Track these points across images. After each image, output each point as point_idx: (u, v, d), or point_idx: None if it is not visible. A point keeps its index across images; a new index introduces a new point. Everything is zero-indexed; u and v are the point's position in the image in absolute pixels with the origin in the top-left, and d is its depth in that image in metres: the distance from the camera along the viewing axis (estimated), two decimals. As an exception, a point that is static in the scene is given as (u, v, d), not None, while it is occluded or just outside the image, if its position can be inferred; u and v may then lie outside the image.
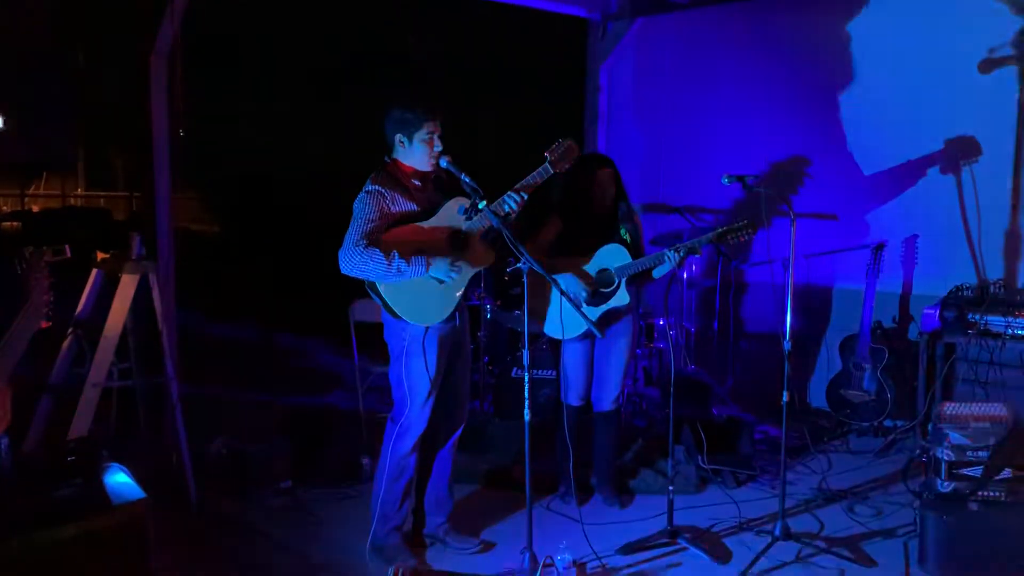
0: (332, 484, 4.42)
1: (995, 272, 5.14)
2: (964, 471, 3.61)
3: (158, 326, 4.13)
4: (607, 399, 4.20)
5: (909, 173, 5.46)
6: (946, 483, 3.61)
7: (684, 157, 6.39)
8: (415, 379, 3.47)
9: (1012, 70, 5.07)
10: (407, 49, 6.86)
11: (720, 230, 3.83)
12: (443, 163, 3.44)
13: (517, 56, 7.13)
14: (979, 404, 3.84)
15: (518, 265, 3.42)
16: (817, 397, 5.70)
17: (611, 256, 3.98)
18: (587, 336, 4.03)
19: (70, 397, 3.89)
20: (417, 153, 3.45)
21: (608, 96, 6.65)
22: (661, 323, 5.55)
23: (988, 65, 5.14)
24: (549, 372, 5.12)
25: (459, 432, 3.75)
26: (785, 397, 3.79)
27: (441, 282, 3.42)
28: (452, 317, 3.53)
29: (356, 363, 5.17)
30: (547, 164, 3.53)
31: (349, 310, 5.14)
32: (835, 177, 5.74)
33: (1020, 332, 4.52)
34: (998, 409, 3.78)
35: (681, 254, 3.84)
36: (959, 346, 4.69)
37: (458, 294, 3.52)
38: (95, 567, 2.58)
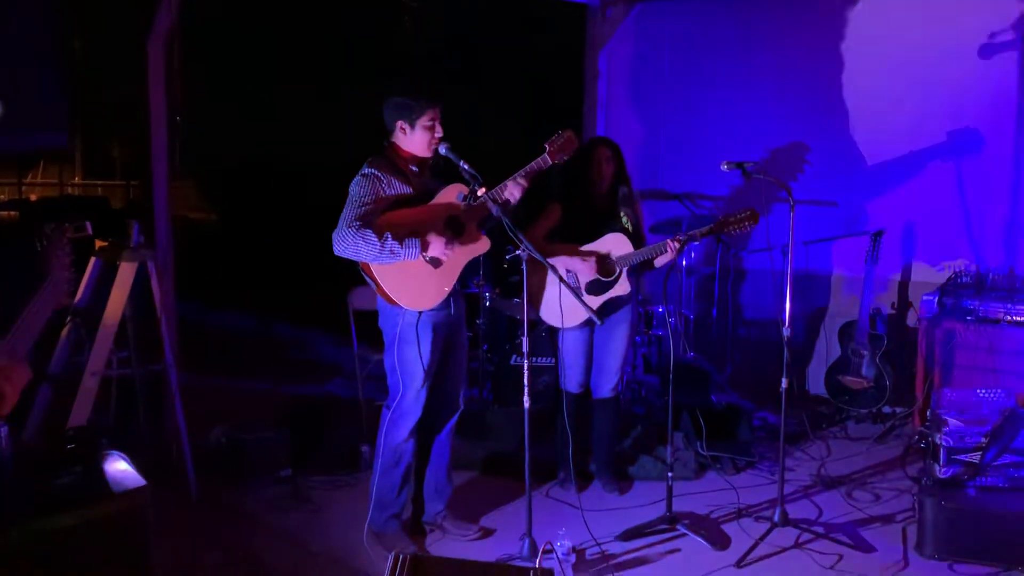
0: (331, 472, 4.43)
1: (993, 258, 5.14)
2: (962, 457, 3.62)
3: (157, 314, 4.13)
4: (606, 386, 4.20)
5: (910, 162, 5.45)
6: (944, 469, 3.62)
7: (683, 143, 6.37)
8: (409, 366, 3.46)
9: (1013, 55, 5.05)
10: (405, 34, 6.83)
11: (721, 220, 3.82)
12: (442, 150, 3.43)
13: (515, 41, 7.10)
14: (977, 390, 3.85)
15: (517, 252, 3.41)
16: (816, 384, 5.71)
17: (612, 244, 3.98)
18: (587, 324, 4.03)
19: (69, 386, 3.89)
20: (418, 139, 3.44)
21: (607, 82, 6.63)
22: (660, 310, 5.55)
23: (989, 50, 5.12)
24: (548, 359, 5.12)
25: (456, 418, 3.75)
26: (784, 383, 3.79)
27: (436, 266, 3.42)
28: (447, 303, 3.53)
29: (355, 351, 5.17)
30: (546, 155, 3.52)
31: (348, 298, 5.14)
32: (835, 164, 5.73)
33: (1018, 318, 4.52)
34: (996, 395, 3.80)
35: (681, 243, 3.84)
36: (957, 332, 4.69)
37: (453, 280, 3.52)
38: (95, 555, 2.58)
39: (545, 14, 6.58)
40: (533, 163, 3.51)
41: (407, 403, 3.51)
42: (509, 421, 4.73)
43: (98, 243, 4.10)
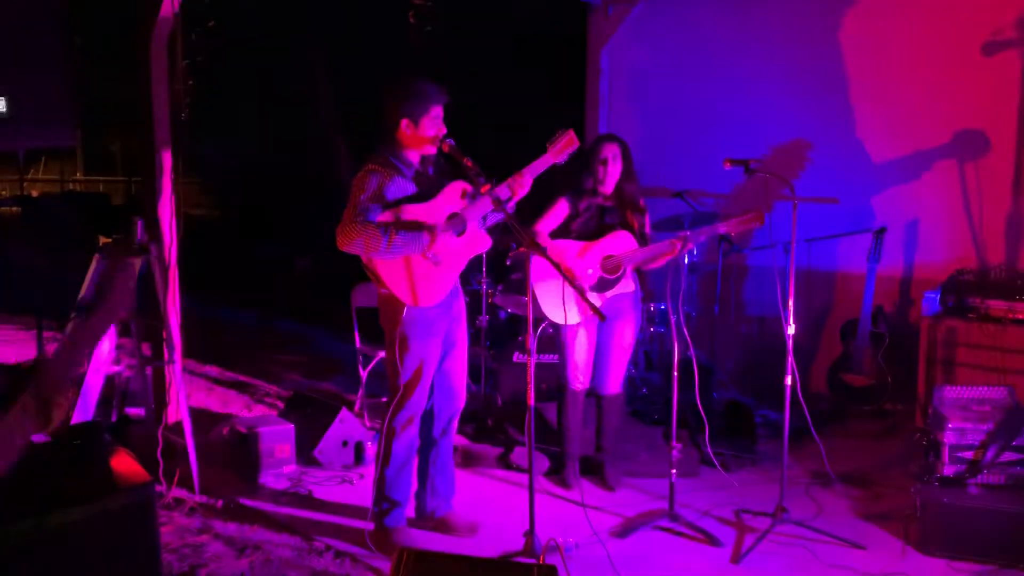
0: (334, 468, 4.45)
1: (996, 256, 5.15)
2: (964, 455, 3.63)
3: (160, 310, 4.14)
4: (610, 383, 4.21)
5: (913, 160, 5.45)
6: (945, 466, 3.63)
7: (685, 140, 6.37)
8: (411, 362, 3.47)
9: (1016, 52, 5.05)
10: (407, 31, 6.83)
11: (727, 220, 3.83)
12: (445, 147, 3.43)
13: (518, 39, 7.10)
14: (979, 388, 3.86)
15: (520, 250, 3.42)
16: (818, 381, 5.72)
17: (618, 243, 3.99)
18: (590, 321, 4.03)
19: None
20: (422, 135, 3.44)
21: (609, 80, 6.63)
22: (662, 307, 5.56)
23: (991, 48, 5.12)
24: (551, 356, 5.13)
25: (458, 415, 3.76)
26: (788, 381, 3.79)
27: (438, 264, 3.43)
28: (449, 300, 3.54)
29: (358, 347, 5.19)
30: (547, 154, 3.53)
31: (350, 295, 5.16)
32: (837, 161, 5.73)
33: (1021, 316, 4.52)
34: (998, 392, 3.80)
35: (686, 243, 3.84)
36: (959, 330, 4.69)
37: (455, 277, 3.53)
38: (101, 549, 2.60)
39: (547, 11, 6.58)
40: (535, 162, 3.52)
41: (410, 400, 3.52)
42: (512, 418, 4.75)
43: (102, 239, 4.11)
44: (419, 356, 3.48)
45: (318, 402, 4.84)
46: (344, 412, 4.55)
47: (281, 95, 9.18)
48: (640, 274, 4.23)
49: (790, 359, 3.74)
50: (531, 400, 3.36)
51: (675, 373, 3.79)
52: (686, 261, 5.77)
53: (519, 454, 4.48)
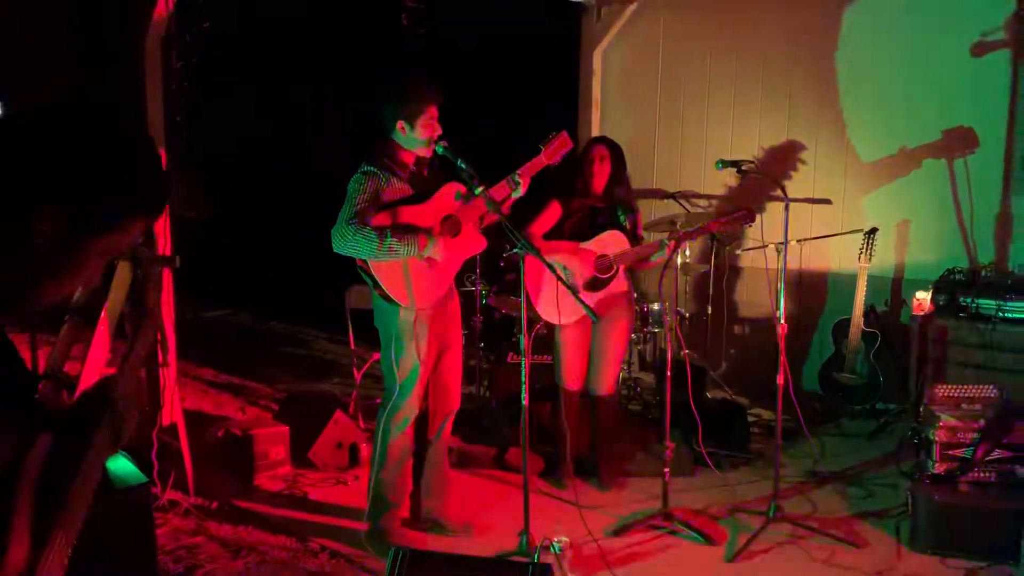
0: (329, 469, 4.45)
1: (986, 255, 5.18)
2: (955, 452, 3.65)
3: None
4: (604, 383, 4.23)
5: (904, 160, 5.49)
6: (937, 464, 3.66)
7: (678, 142, 6.40)
8: (406, 364, 3.48)
9: (1004, 53, 5.09)
10: (399, 32, 6.84)
11: (717, 219, 3.85)
12: (439, 149, 3.44)
13: (510, 40, 7.11)
14: (970, 387, 3.88)
15: (514, 250, 3.44)
16: (810, 380, 5.74)
17: (610, 242, 4.01)
18: (583, 321, 4.06)
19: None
20: (417, 137, 3.45)
21: (602, 80, 6.65)
22: (656, 307, 5.58)
23: (981, 48, 5.16)
24: (545, 357, 5.15)
25: (452, 416, 3.77)
26: (780, 380, 3.82)
27: (433, 265, 3.44)
28: (443, 301, 3.55)
29: (352, 349, 5.20)
30: (541, 155, 3.55)
31: (345, 296, 5.16)
32: (829, 162, 5.76)
33: (1011, 315, 4.55)
34: (988, 391, 3.83)
35: (677, 241, 3.86)
36: (951, 329, 4.72)
37: (450, 278, 3.54)
38: (97, 550, 2.60)
39: (540, 13, 6.59)
40: (528, 163, 3.54)
41: (404, 401, 3.53)
42: (506, 418, 4.76)
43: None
44: (414, 357, 3.49)
45: (313, 404, 4.85)
46: (339, 414, 4.56)
47: (278, 96, 9.18)
48: (633, 274, 4.25)
49: (782, 359, 3.76)
50: (526, 400, 3.38)
51: (668, 373, 3.80)
52: (679, 261, 5.80)
53: (514, 454, 4.49)
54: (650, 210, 6.33)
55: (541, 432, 4.53)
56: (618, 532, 3.76)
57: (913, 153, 5.44)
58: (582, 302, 3.35)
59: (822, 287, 5.86)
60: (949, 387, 3.90)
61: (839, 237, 5.57)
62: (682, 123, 6.37)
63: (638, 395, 5.56)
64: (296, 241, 8.18)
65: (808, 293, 5.89)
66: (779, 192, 3.82)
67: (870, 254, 5.18)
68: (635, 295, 4.37)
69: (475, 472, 4.47)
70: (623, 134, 6.38)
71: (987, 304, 4.62)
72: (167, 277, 4.52)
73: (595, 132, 6.56)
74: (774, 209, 5.57)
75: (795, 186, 5.81)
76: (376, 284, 3.42)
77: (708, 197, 6.22)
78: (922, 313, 4.81)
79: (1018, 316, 4.53)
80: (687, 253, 6.02)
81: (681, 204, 6.13)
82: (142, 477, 2.83)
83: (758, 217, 3.91)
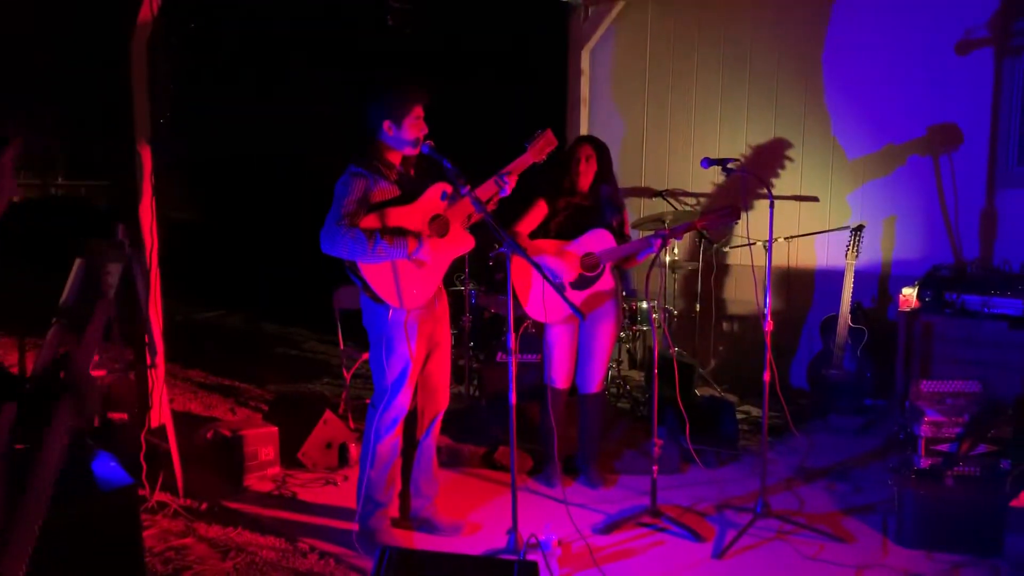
0: (318, 469, 4.46)
1: (971, 251, 5.22)
2: (940, 447, 3.68)
3: (142, 314, 4.13)
4: (591, 382, 4.24)
5: (890, 157, 5.52)
6: (923, 459, 3.69)
7: (666, 140, 6.43)
8: (395, 364, 3.49)
9: (988, 51, 5.12)
10: (385, 32, 6.84)
11: (702, 216, 3.87)
12: (425, 149, 3.45)
13: (498, 40, 7.12)
14: (955, 382, 3.91)
15: (501, 250, 3.44)
16: (798, 377, 5.77)
17: (596, 240, 4.02)
18: (571, 319, 4.07)
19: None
20: (404, 137, 3.45)
21: (590, 80, 6.67)
22: (644, 305, 5.60)
23: (965, 46, 5.19)
24: (534, 356, 5.16)
25: (441, 415, 3.78)
26: (766, 377, 3.84)
27: (421, 266, 3.45)
28: (432, 302, 3.56)
29: (342, 349, 5.20)
30: (526, 154, 3.56)
31: (333, 297, 5.16)
32: (816, 159, 5.79)
33: (996, 311, 4.59)
34: (973, 386, 3.86)
35: (663, 239, 3.88)
36: (937, 325, 4.76)
37: (439, 278, 3.55)
38: (84, 552, 2.61)
39: (528, 12, 6.61)
40: (514, 162, 3.55)
41: (393, 401, 3.53)
42: (495, 417, 4.77)
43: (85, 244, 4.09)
44: (403, 357, 3.50)
45: (302, 404, 4.85)
46: (328, 414, 4.56)
47: (267, 97, 9.17)
48: (621, 272, 4.27)
49: (768, 355, 3.78)
50: (513, 399, 3.39)
51: (655, 370, 3.82)
52: (667, 259, 5.83)
53: (502, 453, 4.50)
54: (639, 208, 6.35)
55: (530, 431, 4.54)
56: (606, 529, 3.77)
57: (898, 150, 5.47)
58: (568, 301, 3.36)
59: (809, 284, 5.89)
60: (934, 382, 3.93)
61: (826, 234, 5.61)
62: (670, 122, 6.39)
63: (627, 393, 5.58)
64: (285, 242, 8.18)
65: (796, 290, 5.92)
66: (766, 189, 3.84)
67: (857, 251, 5.21)
68: (623, 293, 4.38)
69: (464, 471, 4.48)
70: (611, 133, 6.43)
71: (972, 300, 4.65)
72: (155, 278, 4.52)
73: (583, 131, 6.58)
74: (762, 206, 5.59)
75: (782, 184, 5.85)
76: (365, 285, 3.42)
77: (696, 195, 6.24)
78: (908, 309, 4.84)
79: (1003, 312, 4.57)
80: (675, 251, 6.05)
81: (669, 202, 6.15)
82: (129, 479, 2.83)
83: (745, 214, 3.94)
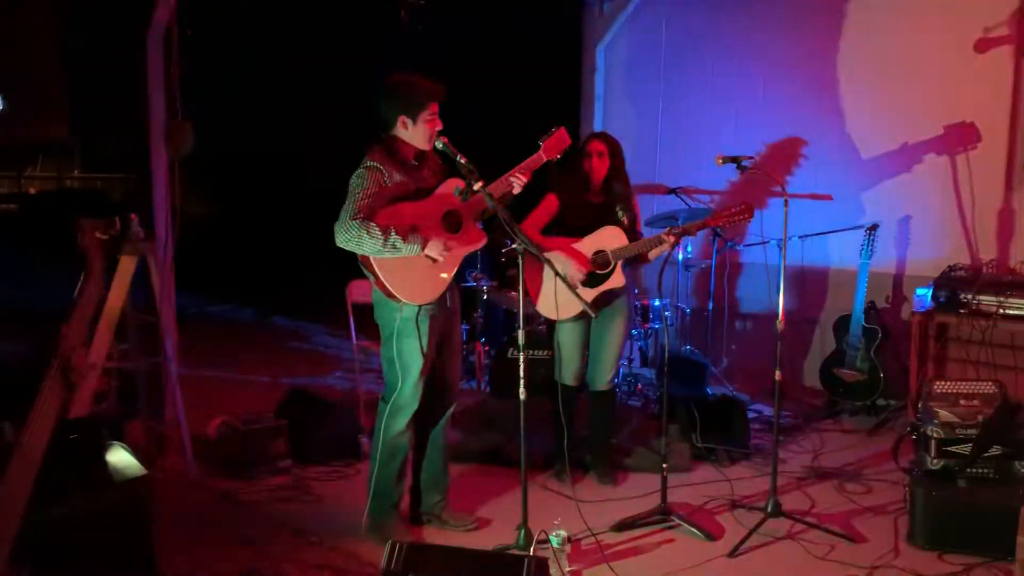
0: (329, 463, 4.47)
1: (988, 252, 5.18)
2: (953, 448, 3.65)
3: (156, 307, 4.16)
4: (602, 379, 4.24)
5: (905, 156, 5.49)
6: (935, 460, 3.66)
7: (680, 137, 6.40)
8: (407, 359, 3.50)
9: (1008, 49, 5.08)
10: (399, 28, 6.86)
11: (716, 213, 3.85)
12: (439, 145, 3.46)
13: (511, 36, 7.12)
14: (969, 383, 3.89)
15: (513, 246, 3.45)
16: (811, 376, 5.75)
17: (608, 238, 4.02)
18: (582, 316, 4.07)
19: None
20: (419, 133, 3.46)
21: (604, 76, 6.66)
22: (656, 303, 5.59)
23: (983, 44, 5.15)
24: (544, 352, 5.16)
25: (451, 411, 3.79)
26: (777, 376, 3.82)
27: (434, 261, 3.45)
28: (444, 297, 3.56)
29: (354, 343, 5.22)
30: (540, 151, 3.56)
31: (346, 291, 5.18)
32: (830, 157, 5.76)
33: (1012, 312, 4.55)
34: (987, 387, 3.83)
35: (676, 237, 3.87)
36: (951, 326, 4.72)
37: (450, 274, 3.56)
38: (98, 542, 2.63)
39: (542, 8, 6.60)
40: (528, 160, 3.55)
41: (404, 396, 3.54)
42: (506, 413, 4.77)
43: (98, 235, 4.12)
44: (414, 352, 3.50)
45: (314, 398, 4.87)
46: (340, 408, 4.58)
47: (281, 93, 9.20)
48: (634, 270, 4.26)
49: (779, 354, 3.77)
50: (523, 395, 3.39)
51: (665, 368, 3.81)
52: (680, 257, 5.81)
53: (512, 449, 4.50)
54: (651, 206, 6.33)
55: (540, 427, 4.54)
56: (617, 527, 3.76)
57: (915, 148, 5.43)
58: (580, 298, 3.35)
59: (823, 283, 5.86)
60: (948, 383, 3.90)
61: (840, 233, 5.57)
62: (683, 118, 6.37)
63: (638, 391, 5.57)
64: (298, 236, 8.21)
65: (809, 289, 5.89)
66: (780, 187, 3.83)
67: (871, 250, 5.18)
68: (635, 290, 4.37)
69: (474, 467, 4.49)
70: (625, 129, 6.41)
71: (988, 301, 4.62)
72: (168, 271, 4.54)
73: (598, 127, 6.57)
74: (775, 205, 5.57)
75: (797, 182, 5.82)
76: (377, 279, 3.43)
77: (709, 193, 6.22)
78: (923, 310, 4.81)
79: (1019, 313, 4.53)
80: (688, 249, 6.03)
81: (682, 199, 6.13)
82: (142, 471, 2.85)
83: (759, 213, 3.92)
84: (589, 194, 4.10)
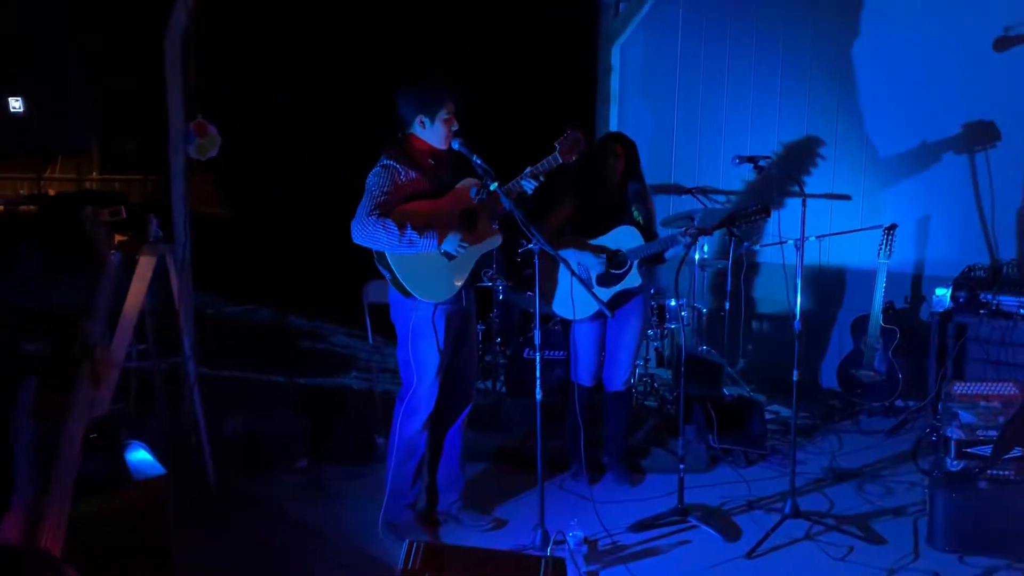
0: (346, 463, 4.48)
1: (1008, 252, 5.13)
2: (973, 450, 3.62)
3: (175, 307, 4.19)
4: (619, 379, 4.23)
5: (924, 155, 5.44)
6: (955, 462, 3.63)
7: (696, 137, 6.38)
8: (423, 358, 3.51)
9: (1028, 47, 5.03)
10: (416, 29, 6.88)
11: (732, 214, 3.84)
12: (455, 145, 3.47)
13: (528, 36, 7.12)
14: (989, 384, 3.85)
15: (529, 246, 3.45)
16: (829, 377, 5.71)
17: (624, 238, 4.01)
18: (598, 316, 4.06)
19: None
20: (436, 132, 3.48)
21: (620, 76, 6.64)
22: (673, 304, 5.57)
23: (1003, 43, 5.10)
24: (561, 352, 5.15)
25: (468, 410, 3.79)
26: (795, 376, 3.80)
27: (450, 259, 3.46)
28: (459, 296, 3.57)
29: (371, 343, 5.23)
30: (556, 154, 3.56)
31: (363, 291, 5.19)
32: (848, 157, 5.73)
33: (1033, 312, 4.51)
34: (1008, 388, 3.80)
35: (692, 237, 3.85)
36: (971, 326, 4.68)
37: (467, 273, 3.56)
38: (117, 540, 2.64)
39: (558, 8, 6.60)
40: (544, 161, 3.56)
41: (420, 395, 3.55)
42: (522, 413, 4.77)
43: (117, 237, 4.15)
44: (430, 352, 3.51)
45: (331, 398, 4.89)
46: (355, 408, 4.59)
47: (297, 94, 9.25)
48: (649, 269, 4.25)
49: (796, 354, 3.75)
50: (539, 395, 3.39)
51: (682, 369, 3.80)
52: (696, 257, 5.79)
53: (529, 449, 4.50)
54: (668, 206, 6.31)
55: (557, 428, 4.53)
56: (634, 528, 3.76)
57: (933, 148, 5.39)
58: (596, 297, 3.35)
59: (841, 283, 5.82)
60: (968, 384, 3.87)
61: (858, 233, 5.53)
62: (700, 118, 6.34)
63: (655, 391, 5.55)
64: (315, 237, 8.25)
65: (827, 289, 5.85)
66: (798, 187, 3.80)
67: (889, 250, 5.15)
68: (651, 290, 4.36)
69: (490, 467, 4.49)
70: (641, 129, 6.39)
71: (1008, 301, 4.57)
72: (186, 272, 4.57)
73: (614, 127, 6.55)
74: (793, 205, 5.54)
75: (814, 181, 5.78)
76: (394, 277, 3.44)
77: (726, 192, 6.19)
78: (942, 310, 4.77)
79: (1040, 313, 4.49)
80: (705, 249, 6.00)
81: (699, 199, 6.10)
82: (161, 469, 2.86)
83: (776, 213, 3.90)
84: (605, 194, 4.09)
